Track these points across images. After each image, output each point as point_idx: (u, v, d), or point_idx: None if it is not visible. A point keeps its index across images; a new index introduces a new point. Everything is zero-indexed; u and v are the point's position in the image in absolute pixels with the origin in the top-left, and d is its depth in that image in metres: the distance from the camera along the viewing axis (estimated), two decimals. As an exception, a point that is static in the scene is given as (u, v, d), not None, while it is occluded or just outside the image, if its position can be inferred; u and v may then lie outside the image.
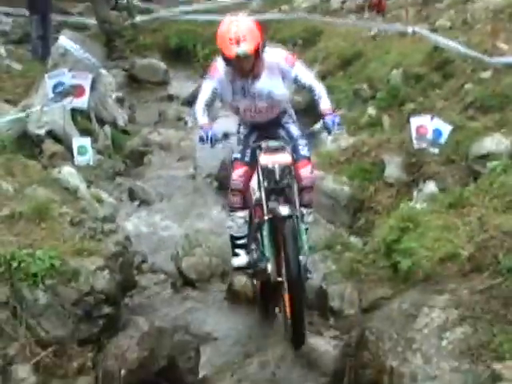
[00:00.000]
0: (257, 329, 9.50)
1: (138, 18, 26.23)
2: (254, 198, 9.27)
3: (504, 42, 14.13)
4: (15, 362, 8.14)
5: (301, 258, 8.43)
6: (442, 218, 9.53)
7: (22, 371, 8.08)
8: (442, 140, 11.86)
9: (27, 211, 9.99)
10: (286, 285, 8.40)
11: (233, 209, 9.21)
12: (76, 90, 14.33)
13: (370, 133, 14.47)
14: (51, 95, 14.31)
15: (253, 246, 9.31)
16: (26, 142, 14.14)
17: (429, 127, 12.02)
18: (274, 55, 8.79)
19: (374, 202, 12.28)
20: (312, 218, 9.50)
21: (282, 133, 9.33)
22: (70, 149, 14.24)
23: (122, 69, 23.14)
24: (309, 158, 9.17)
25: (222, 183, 14.22)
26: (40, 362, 8.34)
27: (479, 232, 8.76)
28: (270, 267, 8.71)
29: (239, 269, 9.50)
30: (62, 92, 14.24)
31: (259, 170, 8.80)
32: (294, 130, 9.39)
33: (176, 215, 13.32)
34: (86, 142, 13.79)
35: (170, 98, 21.74)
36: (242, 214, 9.19)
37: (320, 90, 9.00)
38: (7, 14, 23.50)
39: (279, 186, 8.68)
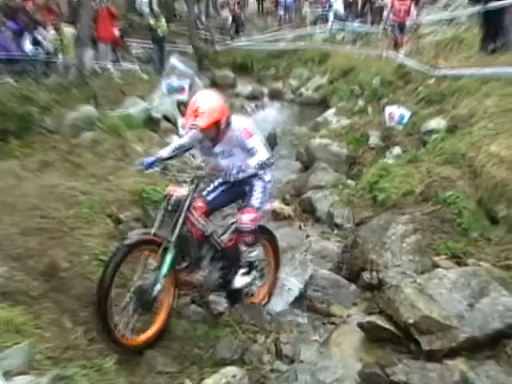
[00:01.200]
0: (291, 236, 9.44)
1: (217, 46, 26.47)
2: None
3: (442, 60, 14.01)
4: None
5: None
6: (404, 169, 9.46)
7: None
8: (405, 121, 11.81)
9: (151, 163, 10.09)
10: None
11: None
12: (180, 90, 14.48)
13: (360, 116, 14.52)
14: (165, 92, 14.47)
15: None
16: (150, 122, 14.21)
17: (396, 113, 11.97)
18: (237, 124, 6.29)
19: (362, 158, 12.23)
20: (255, 254, 6.98)
21: (246, 188, 6.70)
22: (176, 126, 14.33)
23: (208, 77, 23.31)
24: (256, 209, 6.52)
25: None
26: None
27: (427, 177, 8.72)
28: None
29: None
30: (171, 91, 14.38)
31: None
32: (259, 187, 6.63)
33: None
34: (186, 121, 13.98)
35: (237, 95, 21.86)
36: None
37: (257, 159, 6.12)
38: (141, 45, 23.79)
39: (172, 212, 6.12)
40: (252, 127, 6.42)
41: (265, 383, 5.94)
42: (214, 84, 23.05)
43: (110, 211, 8.15)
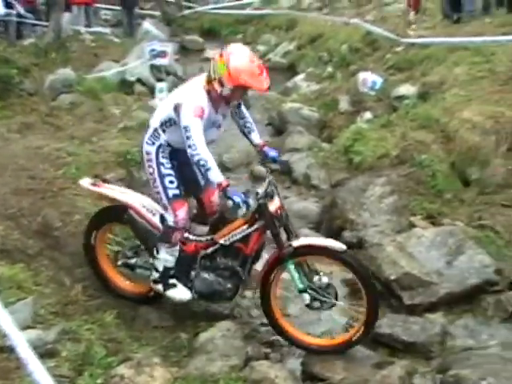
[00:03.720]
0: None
1: (185, 11, 26.22)
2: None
3: (411, 30, 14.00)
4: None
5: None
6: (378, 133, 9.42)
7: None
8: (377, 87, 11.78)
9: (134, 125, 10.01)
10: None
11: (174, 244, 5.74)
12: (162, 54, 14.21)
13: (329, 82, 14.37)
14: (147, 57, 14.23)
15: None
16: (124, 85, 14.07)
17: (369, 79, 11.93)
18: None
19: (333, 122, 12.15)
20: None
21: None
22: (150, 89, 14.17)
23: (177, 42, 23.01)
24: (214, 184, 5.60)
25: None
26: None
27: (402, 141, 8.71)
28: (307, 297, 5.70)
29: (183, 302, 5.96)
30: (154, 55, 14.09)
31: (268, 218, 5.59)
32: None
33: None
34: (164, 84, 13.61)
35: (206, 59, 21.43)
36: (178, 247, 5.79)
37: (253, 123, 6.24)
38: (108, 9, 23.47)
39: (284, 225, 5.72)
40: None
41: (256, 336, 6.03)
42: (183, 48, 22.82)
43: (97, 172, 8.10)
